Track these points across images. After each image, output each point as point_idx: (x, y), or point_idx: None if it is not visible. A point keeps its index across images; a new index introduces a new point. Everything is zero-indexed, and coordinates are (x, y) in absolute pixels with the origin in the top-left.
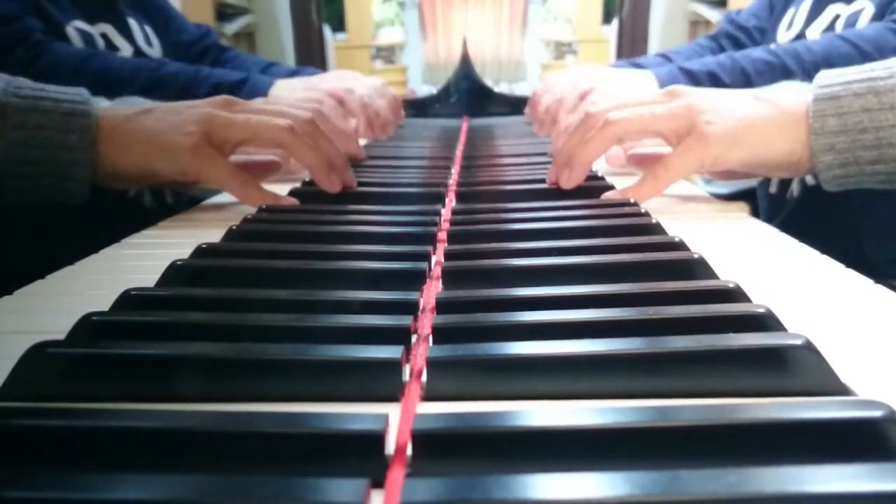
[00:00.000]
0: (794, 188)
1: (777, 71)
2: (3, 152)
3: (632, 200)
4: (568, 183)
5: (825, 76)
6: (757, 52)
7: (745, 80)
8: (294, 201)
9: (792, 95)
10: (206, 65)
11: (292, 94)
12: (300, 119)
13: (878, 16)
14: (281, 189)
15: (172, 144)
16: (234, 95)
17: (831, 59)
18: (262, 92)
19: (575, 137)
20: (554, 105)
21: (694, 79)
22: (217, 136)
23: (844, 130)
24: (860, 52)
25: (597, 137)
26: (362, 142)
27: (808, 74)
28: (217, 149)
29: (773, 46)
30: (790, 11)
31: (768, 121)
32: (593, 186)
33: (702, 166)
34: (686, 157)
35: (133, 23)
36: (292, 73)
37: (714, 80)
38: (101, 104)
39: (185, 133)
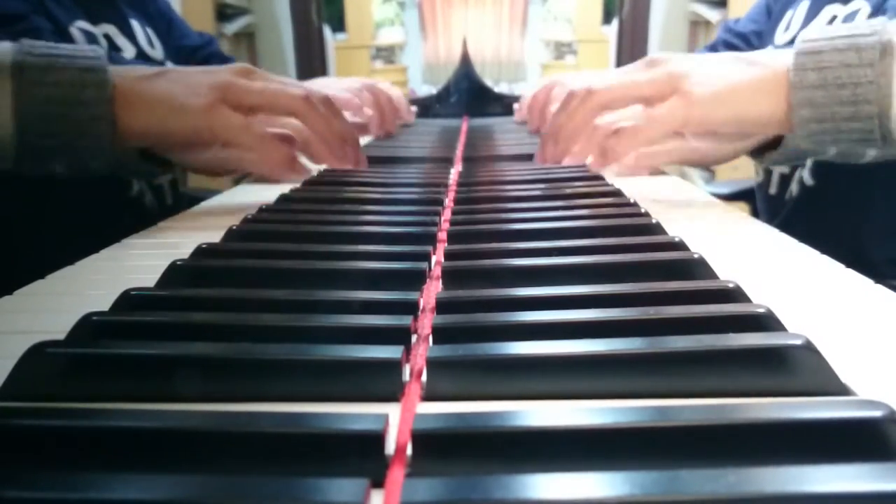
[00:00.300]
0: (794, 188)
1: None
2: (23, 111)
3: (632, 200)
4: (553, 155)
5: (809, 32)
6: None
7: None
8: (308, 171)
9: (775, 55)
10: None
11: None
12: (316, 93)
13: (874, 16)
14: (281, 189)
15: (186, 104)
16: None
17: None
18: None
19: (561, 112)
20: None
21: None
22: (232, 100)
23: (823, 85)
24: None
25: (580, 108)
26: (364, 141)
27: None
28: None
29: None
30: (788, 13)
31: (750, 80)
32: (593, 186)
33: (686, 124)
34: (670, 113)
35: (135, 24)
36: None
37: None
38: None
39: (199, 94)
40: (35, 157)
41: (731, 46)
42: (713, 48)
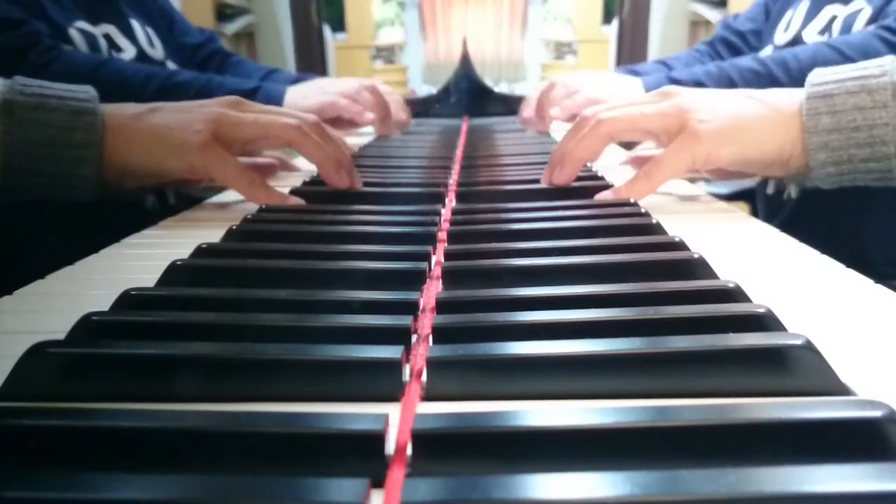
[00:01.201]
0: (792, 190)
1: (763, 79)
2: (10, 149)
3: (632, 200)
4: (559, 179)
5: (819, 74)
6: (744, 61)
7: (731, 87)
8: (300, 201)
9: (783, 94)
10: (210, 70)
11: (305, 99)
12: (307, 120)
13: (876, 17)
14: (280, 190)
15: (181, 142)
16: None
17: (818, 67)
18: (276, 100)
19: (569, 137)
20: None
21: (680, 86)
22: (226, 134)
23: (838, 128)
24: (847, 60)
25: (589, 136)
26: (366, 140)
27: (794, 82)
28: (226, 147)
29: (760, 55)
30: (788, 13)
31: (759, 119)
32: (593, 186)
33: (693, 163)
34: (678, 155)
35: (135, 24)
36: (295, 80)
37: (700, 87)
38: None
39: (195, 131)
40: (18, 192)
41: (729, 44)
42: (711, 44)
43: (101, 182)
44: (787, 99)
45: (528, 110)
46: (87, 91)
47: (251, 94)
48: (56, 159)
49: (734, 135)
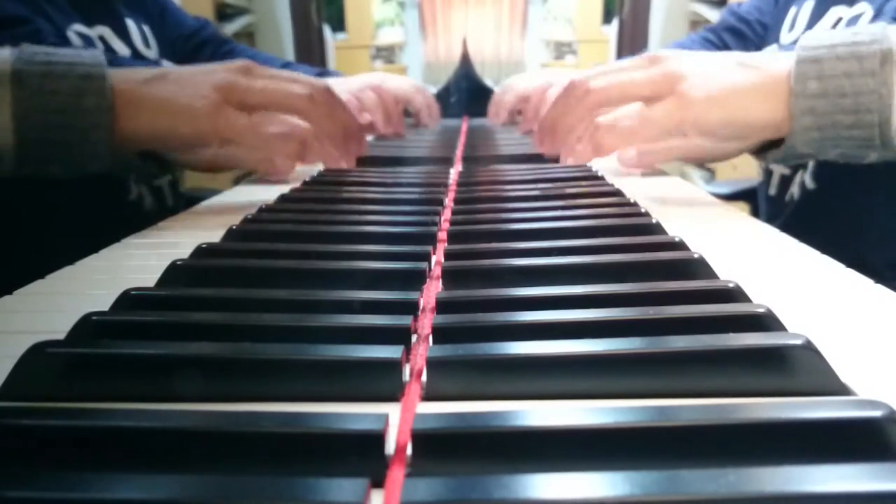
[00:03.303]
0: (794, 191)
1: None
2: (22, 119)
3: (632, 200)
4: (551, 148)
5: (809, 37)
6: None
7: None
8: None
9: (775, 59)
10: (202, 58)
11: None
12: (318, 87)
13: (876, 19)
14: (280, 189)
15: (190, 107)
16: None
17: None
18: None
19: (559, 105)
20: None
21: (669, 51)
22: (234, 99)
23: (825, 94)
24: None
25: (579, 106)
26: (368, 138)
27: None
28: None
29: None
30: (792, 10)
31: (749, 84)
32: (593, 186)
33: (681, 125)
34: (666, 114)
35: (131, 23)
36: (283, 66)
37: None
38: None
39: (202, 96)
40: (34, 162)
41: (735, 31)
42: (714, 31)
43: (114, 149)
44: (778, 64)
45: (496, 107)
46: (95, 56)
47: None
48: (68, 126)
49: (723, 100)
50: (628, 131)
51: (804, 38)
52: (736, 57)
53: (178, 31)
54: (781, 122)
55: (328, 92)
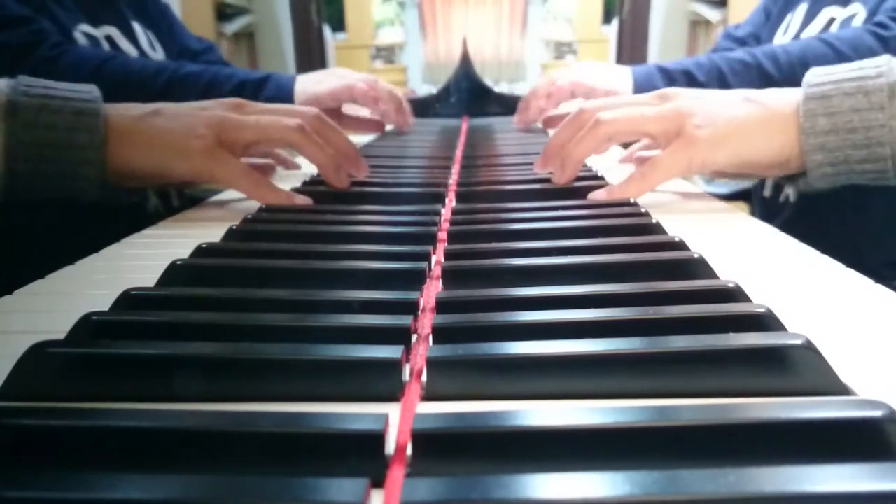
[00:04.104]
0: (791, 193)
1: (752, 70)
2: (14, 150)
3: (631, 200)
4: (560, 179)
5: (815, 74)
6: (735, 54)
7: (720, 78)
8: (307, 200)
9: (781, 95)
10: None
11: (320, 85)
12: (309, 116)
13: (870, 19)
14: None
15: (185, 146)
16: (258, 93)
17: (807, 60)
18: (287, 89)
19: (566, 132)
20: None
21: (669, 76)
22: (228, 137)
23: (835, 130)
24: (837, 53)
25: (587, 136)
26: (368, 138)
27: (784, 75)
28: (228, 150)
29: (752, 48)
30: (787, 17)
31: (756, 122)
32: (593, 186)
33: (689, 168)
34: (673, 159)
35: (137, 26)
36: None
37: (689, 77)
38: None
39: (197, 136)
40: (22, 192)
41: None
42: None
43: (105, 183)
44: (785, 100)
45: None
46: (91, 91)
47: (262, 83)
48: (60, 160)
49: (730, 139)
50: (639, 180)
51: (810, 74)
52: (744, 93)
53: (186, 46)
54: (789, 159)
55: (319, 119)
